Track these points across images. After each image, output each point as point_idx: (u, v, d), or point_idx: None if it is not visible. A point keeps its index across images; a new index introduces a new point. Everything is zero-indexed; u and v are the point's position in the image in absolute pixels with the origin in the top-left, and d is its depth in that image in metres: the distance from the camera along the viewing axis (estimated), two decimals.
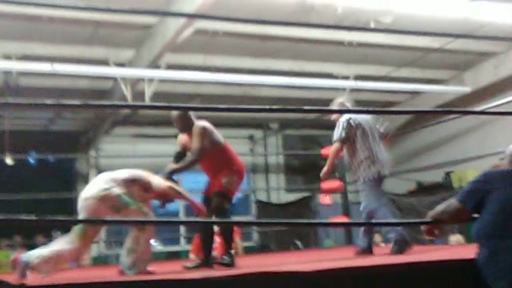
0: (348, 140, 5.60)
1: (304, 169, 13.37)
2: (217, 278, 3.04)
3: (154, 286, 3.03)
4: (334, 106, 5.83)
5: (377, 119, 5.80)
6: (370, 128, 5.68)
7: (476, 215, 2.94)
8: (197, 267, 4.80)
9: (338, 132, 5.64)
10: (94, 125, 11.47)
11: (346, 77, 10.29)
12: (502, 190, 2.81)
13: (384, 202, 5.39)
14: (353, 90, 10.46)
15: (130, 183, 4.39)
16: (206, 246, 4.99)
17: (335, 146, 5.64)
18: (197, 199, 4.94)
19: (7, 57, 8.14)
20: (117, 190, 4.26)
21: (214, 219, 4.83)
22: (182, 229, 11.79)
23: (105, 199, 4.23)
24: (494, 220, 2.78)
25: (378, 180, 5.45)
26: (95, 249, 11.63)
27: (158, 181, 4.58)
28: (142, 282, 3.21)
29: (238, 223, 4.35)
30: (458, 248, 6.41)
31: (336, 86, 10.26)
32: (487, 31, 8.31)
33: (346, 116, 5.66)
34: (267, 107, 3.46)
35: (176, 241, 12.55)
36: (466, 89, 10.69)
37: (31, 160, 11.67)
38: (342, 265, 3.55)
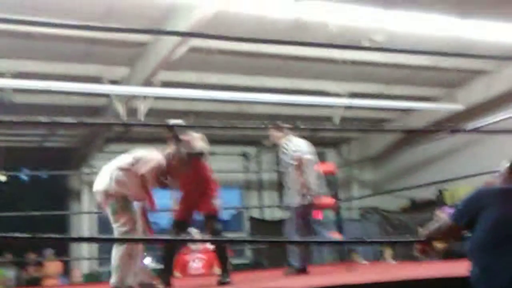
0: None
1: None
2: None
3: None
4: (273, 131, 5.96)
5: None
6: (309, 158, 5.84)
7: (468, 234, 2.95)
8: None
9: (292, 152, 5.79)
10: (88, 142, 11.45)
11: (339, 95, 10.34)
12: (494, 207, 2.83)
13: (300, 231, 5.63)
14: (346, 107, 10.52)
15: (135, 164, 4.43)
16: (169, 263, 4.99)
17: (298, 159, 5.69)
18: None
19: (1, 74, 8.15)
20: (121, 191, 4.30)
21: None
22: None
23: (108, 195, 4.28)
24: (486, 238, 2.79)
25: (307, 208, 5.72)
26: (86, 266, 11.56)
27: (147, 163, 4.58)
28: None
29: (232, 241, 4.35)
30: (450, 265, 6.40)
31: (329, 103, 10.33)
32: (479, 49, 8.38)
33: (290, 143, 5.84)
34: (261, 124, 3.48)
35: None
36: (458, 106, 10.75)
37: (24, 177, 11.65)
38: (335, 282, 3.55)
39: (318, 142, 13.11)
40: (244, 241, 4.96)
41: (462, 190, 10.16)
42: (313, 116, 11.00)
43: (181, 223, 5.01)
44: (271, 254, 11.79)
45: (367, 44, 8.00)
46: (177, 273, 7.86)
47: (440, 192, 11.20)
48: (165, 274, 4.95)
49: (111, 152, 11.75)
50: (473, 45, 8.24)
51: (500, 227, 2.77)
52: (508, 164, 3.09)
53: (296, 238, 5.60)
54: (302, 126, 4.02)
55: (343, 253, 9.34)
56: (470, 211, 2.91)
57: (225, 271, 4.78)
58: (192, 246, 8.12)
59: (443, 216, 9.08)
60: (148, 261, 12.44)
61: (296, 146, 5.88)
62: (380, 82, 10.34)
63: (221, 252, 4.89)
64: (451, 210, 8.59)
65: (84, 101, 9.65)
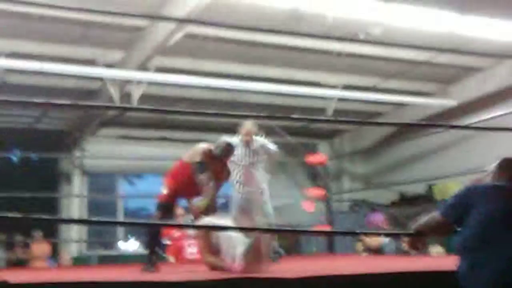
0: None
1: (288, 176, 13.39)
2: (201, 282, 3.06)
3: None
4: (249, 129, 6.44)
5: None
6: None
7: (458, 229, 2.97)
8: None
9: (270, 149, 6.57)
10: (80, 125, 11.42)
11: (333, 87, 10.35)
12: (483, 204, 2.85)
13: None
14: (340, 99, 10.54)
15: None
16: (154, 245, 5.09)
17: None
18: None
19: None
20: None
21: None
22: None
23: None
24: (475, 234, 2.81)
25: None
26: (75, 249, 11.57)
27: None
28: (121, 283, 3.20)
29: (221, 228, 4.36)
30: (438, 259, 6.47)
31: (323, 95, 10.34)
32: (474, 46, 8.40)
33: (263, 142, 6.55)
34: (255, 114, 3.49)
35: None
36: (451, 103, 10.78)
37: (14, 158, 11.58)
38: (324, 272, 3.58)
39: (311, 133, 13.23)
40: (234, 228, 4.95)
41: (452, 186, 10.22)
42: (306, 107, 11.01)
43: (167, 205, 5.12)
44: None
45: (363, 37, 8.01)
46: (171, 258, 7.96)
47: (430, 187, 11.27)
48: (152, 256, 4.99)
49: (103, 136, 11.75)
50: (469, 42, 8.27)
51: (488, 224, 2.79)
52: (497, 162, 3.12)
53: None
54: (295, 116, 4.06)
55: (331, 245, 9.40)
56: (460, 208, 2.93)
57: None
58: (188, 232, 8.13)
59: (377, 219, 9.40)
60: (136, 245, 12.53)
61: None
62: (375, 75, 10.35)
63: None
64: (379, 216, 9.02)
65: (78, 84, 9.61)
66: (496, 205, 2.84)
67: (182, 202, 5.58)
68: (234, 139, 6.31)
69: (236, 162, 6.37)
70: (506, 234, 2.73)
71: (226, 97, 10.48)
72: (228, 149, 5.21)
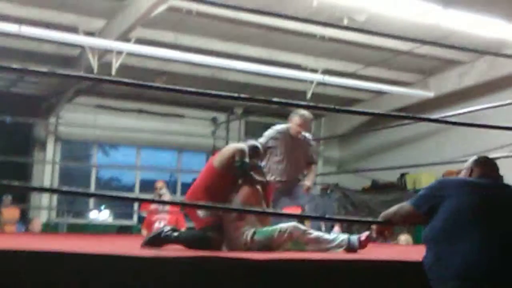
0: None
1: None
2: (167, 259, 3.06)
3: (105, 261, 3.01)
4: (307, 121, 5.87)
5: None
6: None
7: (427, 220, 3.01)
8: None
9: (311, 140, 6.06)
10: (57, 91, 11.29)
11: (314, 70, 10.36)
12: (454, 198, 2.88)
13: None
14: (319, 83, 10.55)
15: None
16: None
17: None
18: None
19: None
20: None
21: None
22: (135, 204, 11.73)
23: None
24: (443, 226, 2.85)
25: None
26: (44, 216, 11.51)
27: None
28: (90, 256, 3.18)
29: (191, 205, 4.37)
30: (406, 248, 6.56)
31: (303, 78, 10.34)
32: (455, 40, 8.44)
33: (309, 137, 6.01)
34: (235, 94, 3.48)
35: (129, 216, 12.52)
36: (429, 94, 10.86)
37: None
38: (291, 256, 3.61)
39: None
40: (203, 207, 4.86)
41: (423, 176, 10.36)
42: (285, 89, 11.02)
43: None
44: None
45: (347, 23, 8.00)
46: (144, 231, 8.10)
47: (402, 176, 11.39)
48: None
49: (80, 104, 11.64)
50: (450, 35, 8.32)
51: (457, 218, 2.83)
52: (474, 158, 3.15)
53: None
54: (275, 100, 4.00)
55: None
56: (431, 200, 2.97)
57: None
58: (159, 207, 8.27)
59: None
60: (106, 215, 12.52)
61: None
62: (355, 62, 10.37)
63: None
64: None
65: (57, 50, 9.48)
66: (467, 200, 2.87)
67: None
68: (280, 126, 5.76)
69: (276, 151, 5.77)
70: (473, 229, 2.77)
71: (205, 73, 10.44)
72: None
